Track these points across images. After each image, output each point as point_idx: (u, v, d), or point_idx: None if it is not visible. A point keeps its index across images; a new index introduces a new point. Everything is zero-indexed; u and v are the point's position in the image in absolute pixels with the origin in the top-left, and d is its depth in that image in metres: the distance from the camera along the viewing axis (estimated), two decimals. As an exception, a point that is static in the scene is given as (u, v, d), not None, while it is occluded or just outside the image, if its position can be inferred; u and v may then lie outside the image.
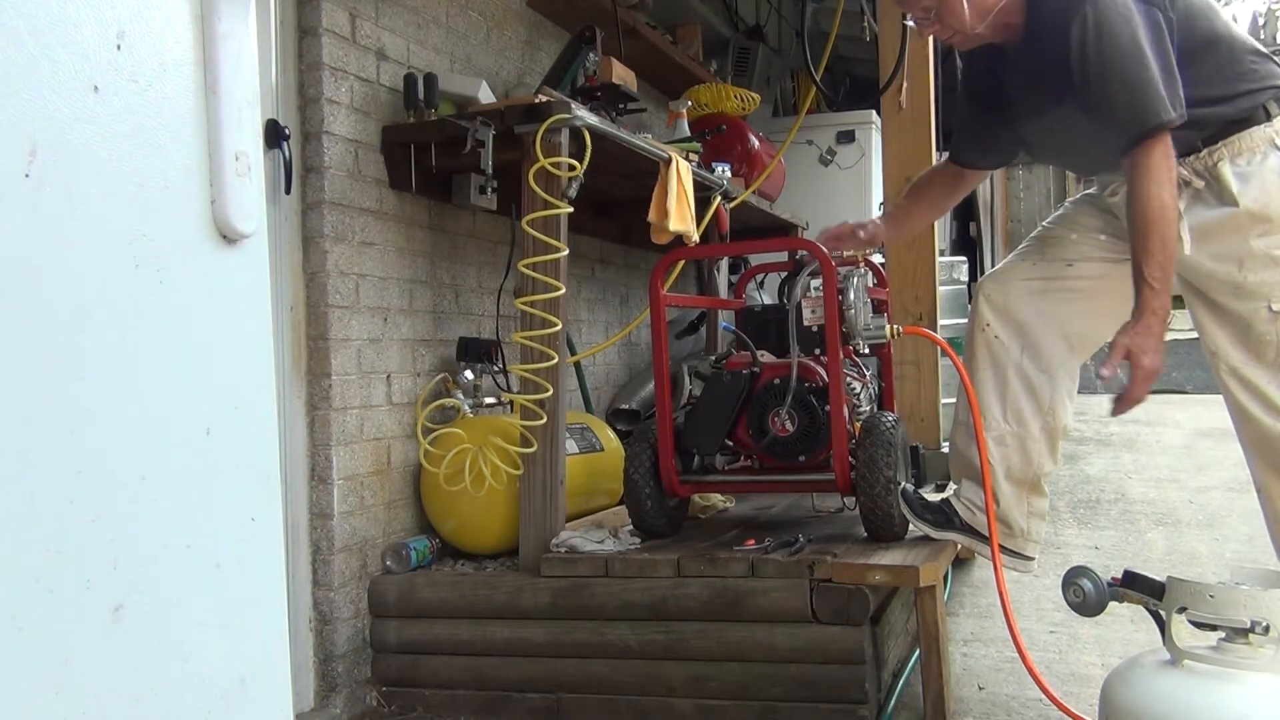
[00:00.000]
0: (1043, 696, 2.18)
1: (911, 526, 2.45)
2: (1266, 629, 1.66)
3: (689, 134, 3.86)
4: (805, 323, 2.55)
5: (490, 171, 2.69)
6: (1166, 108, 1.98)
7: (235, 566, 0.93)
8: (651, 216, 2.99)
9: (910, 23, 2.25)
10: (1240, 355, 2.11)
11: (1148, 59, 1.97)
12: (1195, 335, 2.24)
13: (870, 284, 2.66)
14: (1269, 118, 2.07)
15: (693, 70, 4.46)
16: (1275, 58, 2.16)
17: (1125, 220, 2.15)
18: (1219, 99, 2.07)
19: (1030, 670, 2.13)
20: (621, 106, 3.14)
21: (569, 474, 2.68)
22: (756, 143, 4.52)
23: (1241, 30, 2.14)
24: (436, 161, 2.74)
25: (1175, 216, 2.03)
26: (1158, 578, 1.82)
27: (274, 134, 2.43)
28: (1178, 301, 2.13)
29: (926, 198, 2.59)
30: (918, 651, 2.46)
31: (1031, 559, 2.41)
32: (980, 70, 2.31)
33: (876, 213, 5.12)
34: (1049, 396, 2.31)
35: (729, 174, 3.75)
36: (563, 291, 2.57)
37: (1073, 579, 1.91)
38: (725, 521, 2.92)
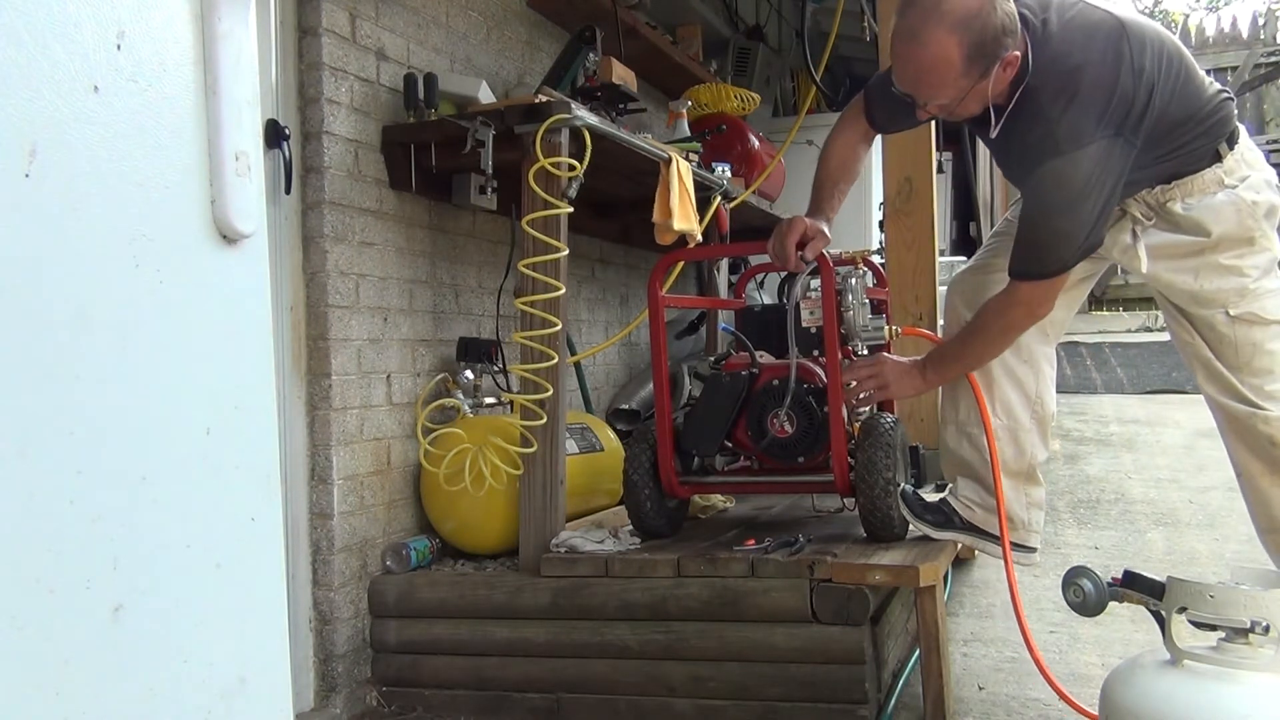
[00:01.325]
0: (1043, 696, 2.18)
1: (911, 527, 2.45)
2: (1266, 629, 1.66)
3: (689, 134, 3.86)
4: (804, 323, 2.55)
5: (490, 171, 2.69)
6: (1063, 265, 2.10)
7: (235, 566, 0.93)
8: (656, 217, 2.99)
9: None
10: (1207, 352, 2.24)
11: (1082, 219, 2.03)
12: None
13: (869, 284, 2.66)
14: (1219, 159, 2.15)
15: (693, 70, 4.46)
16: (1231, 96, 2.22)
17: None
18: (1178, 155, 2.14)
19: (1040, 667, 2.13)
20: (621, 106, 3.14)
21: (569, 474, 2.68)
22: (756, 143, 4.52)
23: (1205, 80, 2.17)
24: (436, 161, 2.74)
25: (994, 355, 2.28)
26: (1158, 578, 1.83)
27: (274, 134, 2.43)
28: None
29: (851, 169, 2.54)
30: (918, 651, 2.45)
31: (1034, 549, 2.43)
32: None
33: (877, 214, 5.12)
34: (1034, 385, 2.36)
35: (729, 174, 3.75)
36: (563, 291, 2.57)
37: (1073, 579, 1.91)
38: (725, 521, 2.92)
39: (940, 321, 3.86)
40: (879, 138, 2.70)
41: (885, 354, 2.47)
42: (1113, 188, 2.04)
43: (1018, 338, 2.26)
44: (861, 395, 2.43)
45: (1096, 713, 1.86)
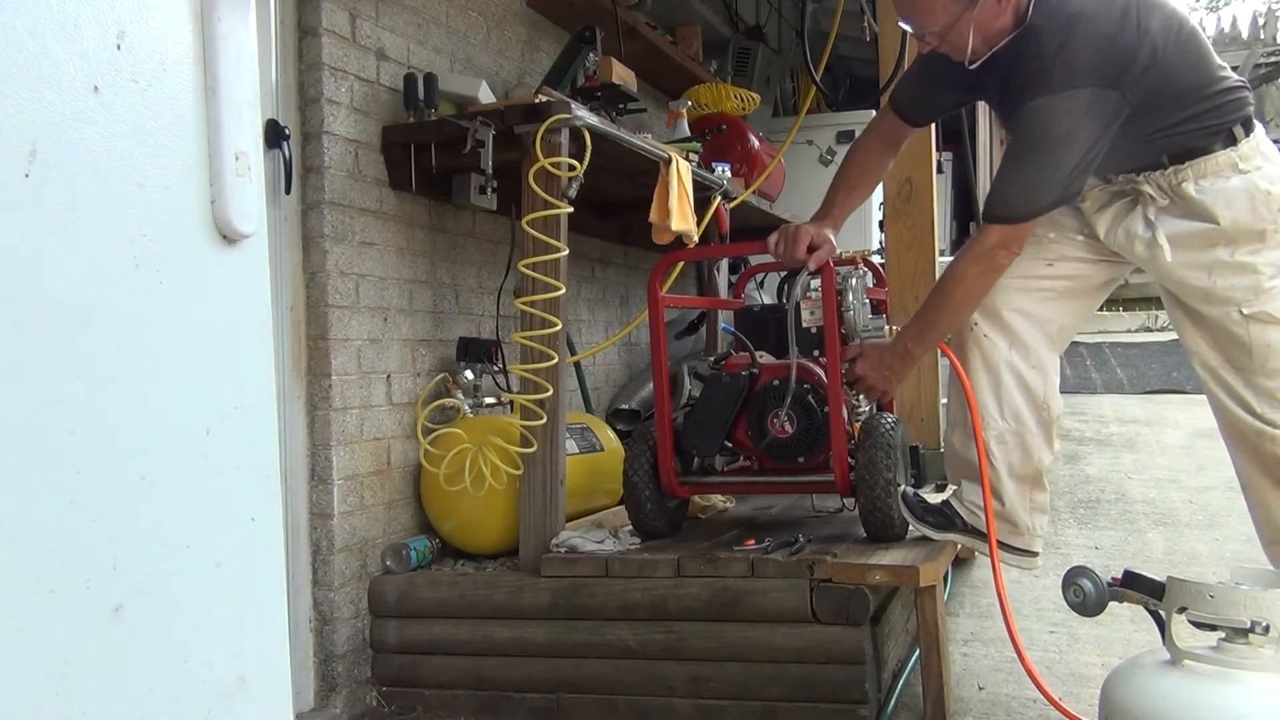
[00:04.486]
0: (1043, 696, 2.18)
1: (912, 527, 2.45)
2: (1266, 629, 1.66)
3: (689, 134, 3.86)
4: (804, 323, 2.55)
5: (490, 171, 2.69)
6: (1035, 210, 2.14)
7: (235, 566, 0.93)
8: (653, 217, 2.99)
9: (907, 28, 2.26)
10: (1215, 356, 2.21)
11: (1063, 164, 2.06)
12: None
13: (869, 284, 2.66)
14: (1234, 142, 2.14)
15: (693, 70, 4.46)
16: (1248, 85, 2.22)
17: (1095, 228, 2.28)
18: (1187, 128, 2.12)
19: (1029, 672, 2.13)
20: (621, 106, 3.14)
21: (569, 474, 2.68)
22: (756, 143, 4.52)
23: (1220, 63, 2.17)
24: (436, 161, 2.74)
25: (972, 306, 2.28)
26: (1158, 578, 1.83)
27: (274, 134, 2.43)
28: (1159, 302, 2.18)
29: (870, 176, 2.56)
30: (918, 651, 2.46)
31: (1036, 554, 2.42)
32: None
33: (877, 214, 5.12)
34: (1042, 390, 2.34)
35: (729, 174, 3.75)
36: (563, 291, 2.57)
37: (1073, 579, 1.91)
38: (725, 521, 2.92)
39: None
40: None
41: (864, 344, 2.45)
42: (1096, 140, 2.05)
43: (992, 284, 2.25)
44: (865, 392, 2.44)
45: (1095, 714, 1.86)
